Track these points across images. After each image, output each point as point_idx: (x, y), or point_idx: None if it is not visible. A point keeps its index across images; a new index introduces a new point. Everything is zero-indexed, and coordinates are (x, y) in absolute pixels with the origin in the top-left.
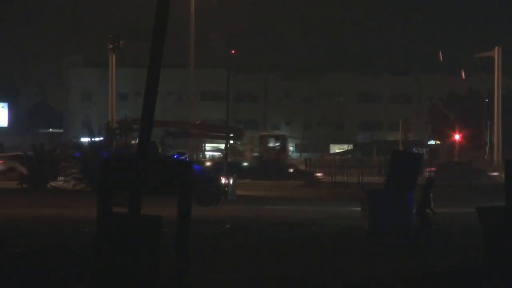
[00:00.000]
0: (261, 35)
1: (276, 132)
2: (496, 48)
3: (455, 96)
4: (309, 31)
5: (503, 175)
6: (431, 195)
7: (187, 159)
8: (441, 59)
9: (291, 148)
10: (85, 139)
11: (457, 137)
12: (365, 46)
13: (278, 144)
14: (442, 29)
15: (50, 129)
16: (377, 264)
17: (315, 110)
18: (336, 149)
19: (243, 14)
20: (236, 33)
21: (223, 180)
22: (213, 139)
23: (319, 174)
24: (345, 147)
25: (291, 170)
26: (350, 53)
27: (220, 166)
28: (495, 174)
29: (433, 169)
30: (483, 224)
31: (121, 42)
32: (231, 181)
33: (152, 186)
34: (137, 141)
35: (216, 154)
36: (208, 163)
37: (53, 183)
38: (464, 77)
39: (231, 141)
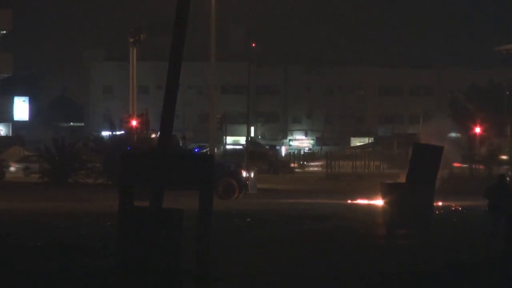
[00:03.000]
0: (280, 29)
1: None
2: None
3: (476, 88)
4: (331, 24)
5: None
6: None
7: (208, 153)
8: None
9: (311, 141)
10: (106, 133)
11: (478, 129)
12: (385, 39)
13: None
14: (462, 21)
15: (71, 123)
16: (396, 257)
17: (336, 103)
18: (356, 142)
19: (264, 6)
20: (257, 27)
21: (244, 174)
22: None
23: None
24: (365, 140)
25: None
26: (371, 46)
27: None
28: None
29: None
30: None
31: (142, 35)
32: (252, 175)
33: (173, 179)
34: (158, 135)
35: (238, 147)
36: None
37: (74, 177)
38: None
39: None
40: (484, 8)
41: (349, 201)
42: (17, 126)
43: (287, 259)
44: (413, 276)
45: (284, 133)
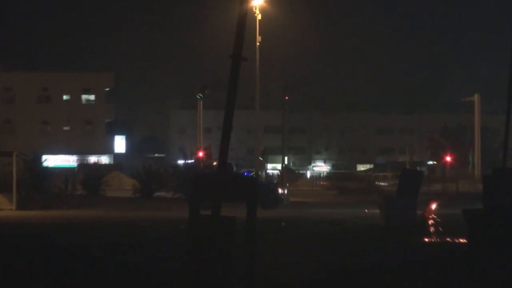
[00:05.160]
0: (305, 84)
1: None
2: (476, 94)
3: (448, 129)
4: (343, 78)
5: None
6: None
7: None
8: None
9: (328, 167)
10: (180, 161)
11: (448, 158)
12: (380, 90)
13: None
14: (439, 74)
15: (156, 154)
16: (389, 251)
17: (346, 139)
18: (361, 167)
19: (295, 67)
20: (289, 82)
21: (280, 190)
22: None
23: None
24: (367, 166)
25: None
26: (370, 96)
27: None
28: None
29: None
30: (467, 222)
31: (206, 91)
32: (285, 191)
33: (228, 195)
34: (217, 163)
35: (275, 172)
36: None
37: (157, 193)
38: None
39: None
40: (455, 62)
41: (355, 210)
42: (117, 157)
43: (312, 252)
44: (402, 264)
45: (309, 161)
